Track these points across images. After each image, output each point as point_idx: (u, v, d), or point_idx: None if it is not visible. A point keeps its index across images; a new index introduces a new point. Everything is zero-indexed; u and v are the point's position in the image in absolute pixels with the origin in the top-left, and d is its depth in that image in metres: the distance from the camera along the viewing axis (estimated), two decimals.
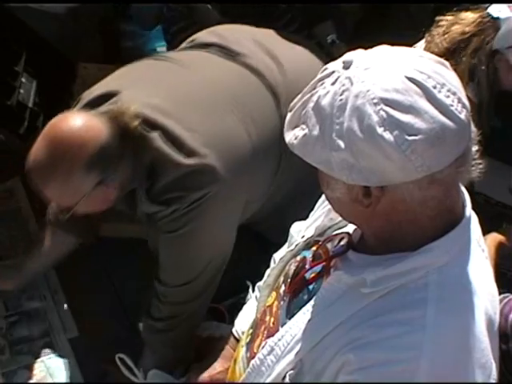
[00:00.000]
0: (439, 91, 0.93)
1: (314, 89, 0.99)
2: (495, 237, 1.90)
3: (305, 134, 0.98)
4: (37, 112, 2.24)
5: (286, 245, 1.44)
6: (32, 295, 2.11)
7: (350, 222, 1.14)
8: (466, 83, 1.85)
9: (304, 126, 0.98)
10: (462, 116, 0.94)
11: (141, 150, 1.62)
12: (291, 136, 1.01)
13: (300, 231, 1.36)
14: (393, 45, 1.02)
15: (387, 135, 0.91)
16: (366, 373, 1.01)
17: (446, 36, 1.94)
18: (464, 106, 0.95)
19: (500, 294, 1.49)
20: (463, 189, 1.07)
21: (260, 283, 1.45)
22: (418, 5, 2.61)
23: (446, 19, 1.93)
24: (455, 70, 1.74)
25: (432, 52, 1.91)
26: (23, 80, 2.24)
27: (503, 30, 1.87)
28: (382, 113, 0.91)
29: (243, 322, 1.50)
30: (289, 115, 1.03)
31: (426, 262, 1.01)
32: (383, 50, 0.99)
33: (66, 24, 2.51)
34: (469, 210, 1.07)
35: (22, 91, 2.21)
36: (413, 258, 1.01)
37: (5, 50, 2.23)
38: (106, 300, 2.16)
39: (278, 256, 1.44)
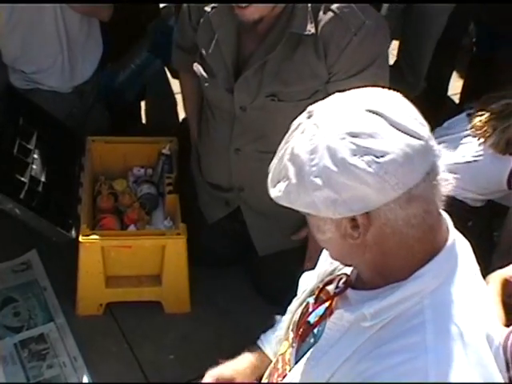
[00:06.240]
0: (398, 116, 1.01)
1: (287, 143, 1.06)
2: (500, 274, 1.92)
3: (287, 185, 1.05)
4: (49, 185, 2.31)
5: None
6: (52, 363, 2.15)
7: (346, 264, 1.19)
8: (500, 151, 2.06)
9: (285, 179, 1.05)
10: (423, 133, 1.02)
11: None
12: (276, 191, 1.08)
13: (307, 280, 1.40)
14: None
15: (359, 162, 0.98)
16: None
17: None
18: (422, 124, 1.03)
19: None
20: (445, 214, 1.11)
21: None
22: None
23: None
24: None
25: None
26: (35, 156, 2.33)
27: None
28: (349, 144, 0.99)
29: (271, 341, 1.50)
30: (270, 175, 1.10)
31: (418, 288, 1.06)
32: (339, 95, 1.08)
33: (73, 101, 2.62)
34: (453, 234, 1.11)
35: (34, 167, 2.30)
36: (406, 286, 1.06)
37: (17, 129, 2.33)
38: (124, 364, 2.19)
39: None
